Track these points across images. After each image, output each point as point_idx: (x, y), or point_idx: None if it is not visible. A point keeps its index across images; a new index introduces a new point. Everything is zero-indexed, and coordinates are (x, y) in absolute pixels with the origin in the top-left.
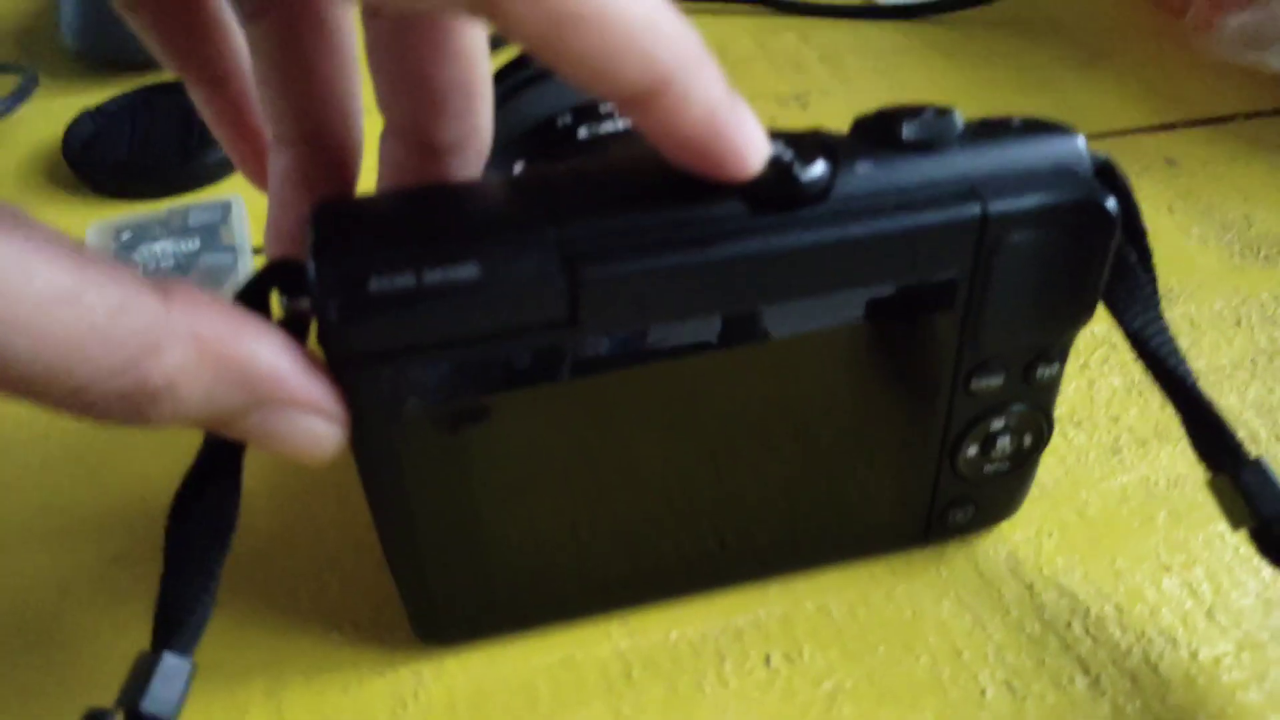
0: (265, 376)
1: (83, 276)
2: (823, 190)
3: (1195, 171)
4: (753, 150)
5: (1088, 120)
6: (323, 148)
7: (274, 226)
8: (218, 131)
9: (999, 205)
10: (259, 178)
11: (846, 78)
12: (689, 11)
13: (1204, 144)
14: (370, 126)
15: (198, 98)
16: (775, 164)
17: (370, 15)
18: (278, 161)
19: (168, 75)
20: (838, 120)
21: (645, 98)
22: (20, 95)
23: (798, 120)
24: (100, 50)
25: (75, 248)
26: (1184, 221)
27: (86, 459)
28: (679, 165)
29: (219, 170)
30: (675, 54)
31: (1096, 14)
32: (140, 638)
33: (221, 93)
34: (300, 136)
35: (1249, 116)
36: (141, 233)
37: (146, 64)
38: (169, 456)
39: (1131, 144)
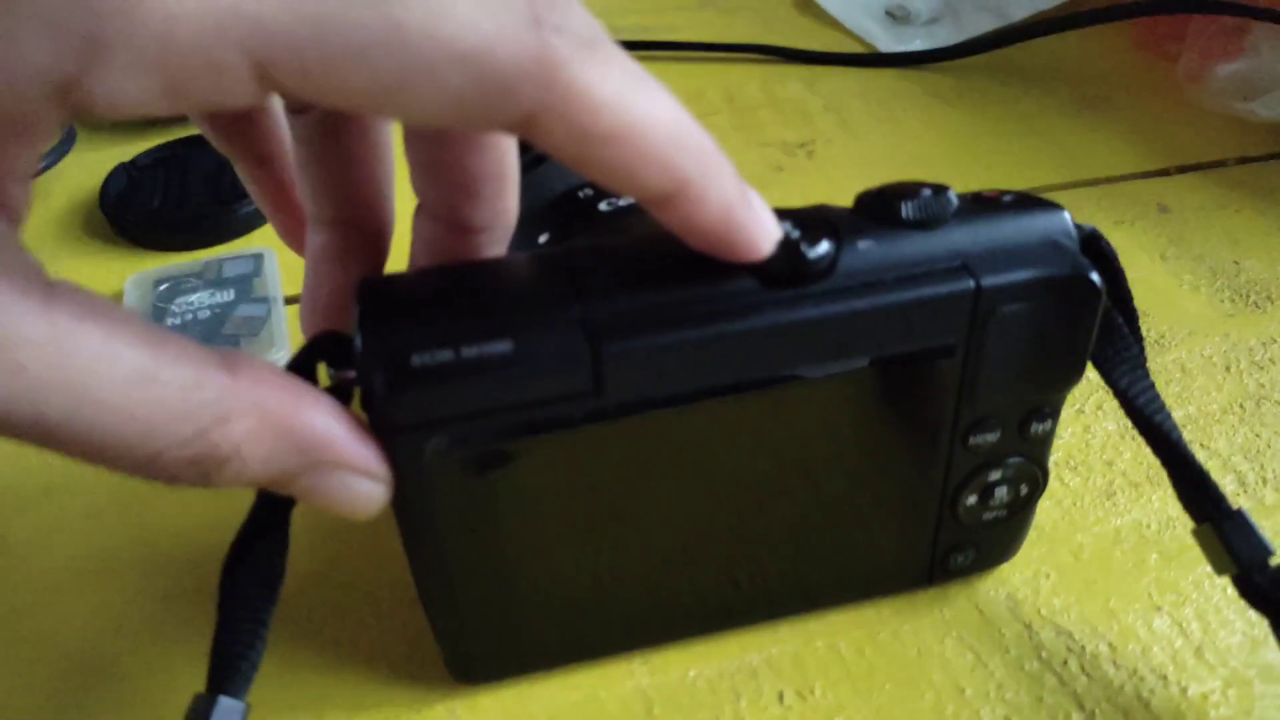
0: (320, 442)
1: (158, 355)
2: (828, 267)
3: (1187, 218)
4: (763, 236)
5: (1083, 166)
6: (357, 228)
7: (309, 299)
8: (262, 205)
9: (991, 279)
10: (299, 247)
11: (850, 125)
12: (698, 60)
13: (1196, 190)
14: (402, 202)
15: (243, 174)
16: (784, 243)
17: None
18: (315, 239)
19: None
20: (843, 168)
21: (667, 199)
22: (60, 150)
23: (805, 167)
24: None
25: (148, 327)
26: (1176, 268)
27: (132, 506)
28: (702, 251)
29: (251, 221)
30: (693, 162)
31: (1092, 63)
32: (190, 673)
33: (267, 171)
34: (337, 218)
35: (1239, 162)
36: (178, 284)
37: (180, 118)
38: (209, 502)
39: (1126, 190)
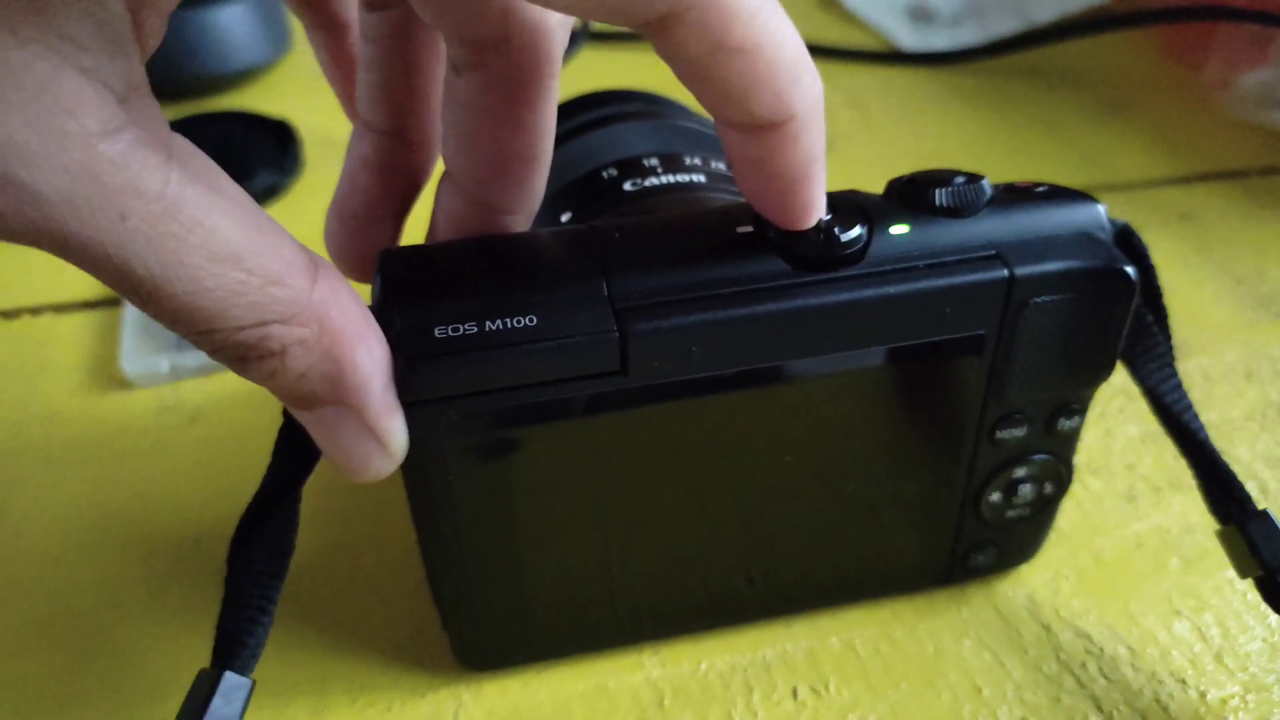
0: (357, 383)
1: (253, 241)
2: (860, 251)
3: (1211, 226)
4: (816, 208)
5: (1106, 172)
6: (404, 144)
7: (340, 208)
8: (328, 73)
9: (1025, 269)
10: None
11: (871, 123)
12: None
13: (1219, 198)
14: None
15: (315, 42)
16: (816, 226)
17: (469, 67)
18: (360, 144)
19: (209, 104)
20: (864, 165)
21: (765, 129)
22: None
23: (826, 164)
24: None
25: (251, 210)
26: (1199, 275)
27: (134, 481)
28: (753, 198)
29: (257, 199)
30: (804, 98)
31: (1116, 67)
32: (190, 650)
33: (337, 41)
34: (387, 128)
35: (1263, 172)
36: None
37: (186, 93)
38: (210, 477)
39: (1150, 197)
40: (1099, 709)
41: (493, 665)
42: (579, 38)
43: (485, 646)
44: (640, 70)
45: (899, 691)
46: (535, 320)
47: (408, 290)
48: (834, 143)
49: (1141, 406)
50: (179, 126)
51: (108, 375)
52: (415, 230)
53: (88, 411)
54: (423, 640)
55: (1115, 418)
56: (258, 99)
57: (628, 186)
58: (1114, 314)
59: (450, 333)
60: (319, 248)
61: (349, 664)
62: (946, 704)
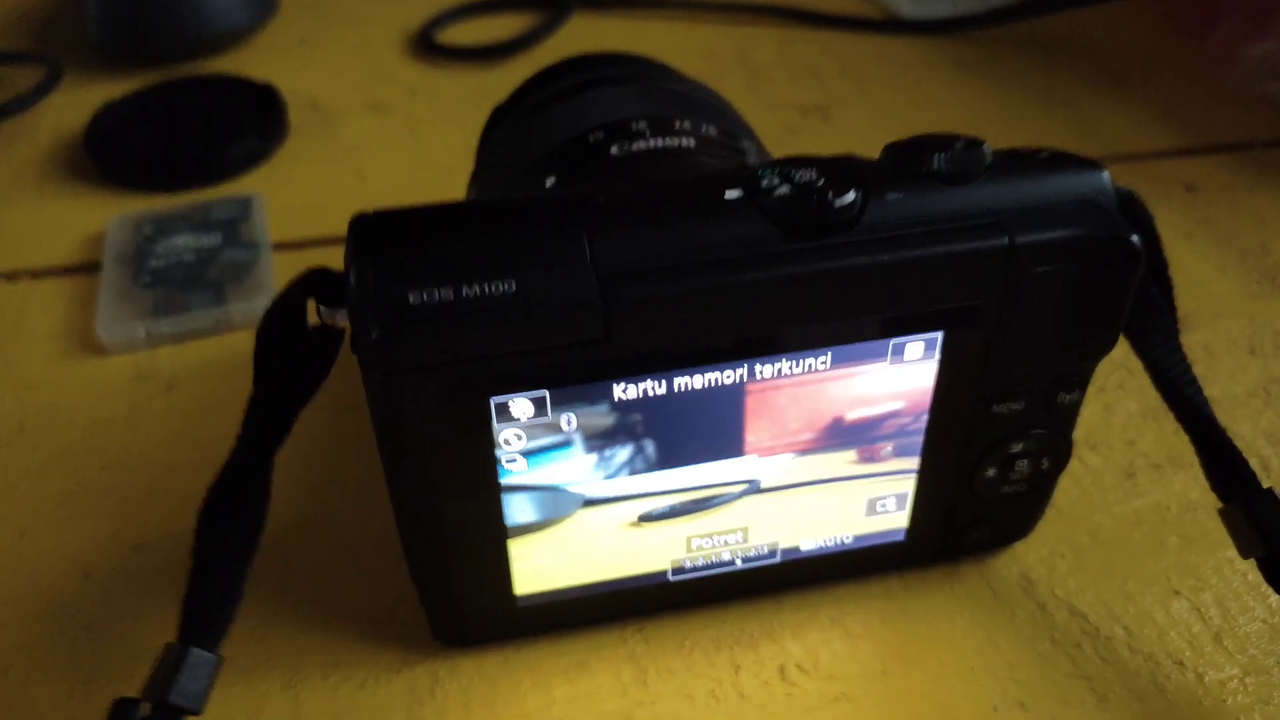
0: None
1: None
2: (854, 218)
3: (1214, 198)
4: None
5: (1108, 143)
6: None
7: None
8: None
9: (1025, 237)
10: None
11: (867, 90)
12: (710, 19)
13: (1223, 171)
14: (422, 161)
15: None
16: (808, 190)
17: None
18: None
19: (193, 68)
20: (859, 133)
21: None
22: (45, 87)
23: (820, 132)
24: (124, 42)
25: None
26: (1202, 248)
27: (107, 449)
28: None
29: (241, 164)
30: None
31: (1120, 38)
32: (160, 624)
33: None
34: None
35: (1268, 144)
36: (163, 227)
37: (170, 56)
38: (186, 446)
39: (1152, 169)
40: (1094, 691)
41: (471, 641)
42: (570, 3)
43: (463, 623)
44: (632, 36)
45: (889, 670)
46: (515, 286)
47: (382, 255)
48: (830, 111)
49: (1142, 381)
50: (160, 91)
51: (84, 341)
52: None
53: (62, 378)
54: (400, 615)
55: (1115, 392)
56: (242, 63)
57: (614, 151)
58: (1118, 285)
59: (426, 299)
60: (304, 209)
61: (324, 638)
62: (938, 683)
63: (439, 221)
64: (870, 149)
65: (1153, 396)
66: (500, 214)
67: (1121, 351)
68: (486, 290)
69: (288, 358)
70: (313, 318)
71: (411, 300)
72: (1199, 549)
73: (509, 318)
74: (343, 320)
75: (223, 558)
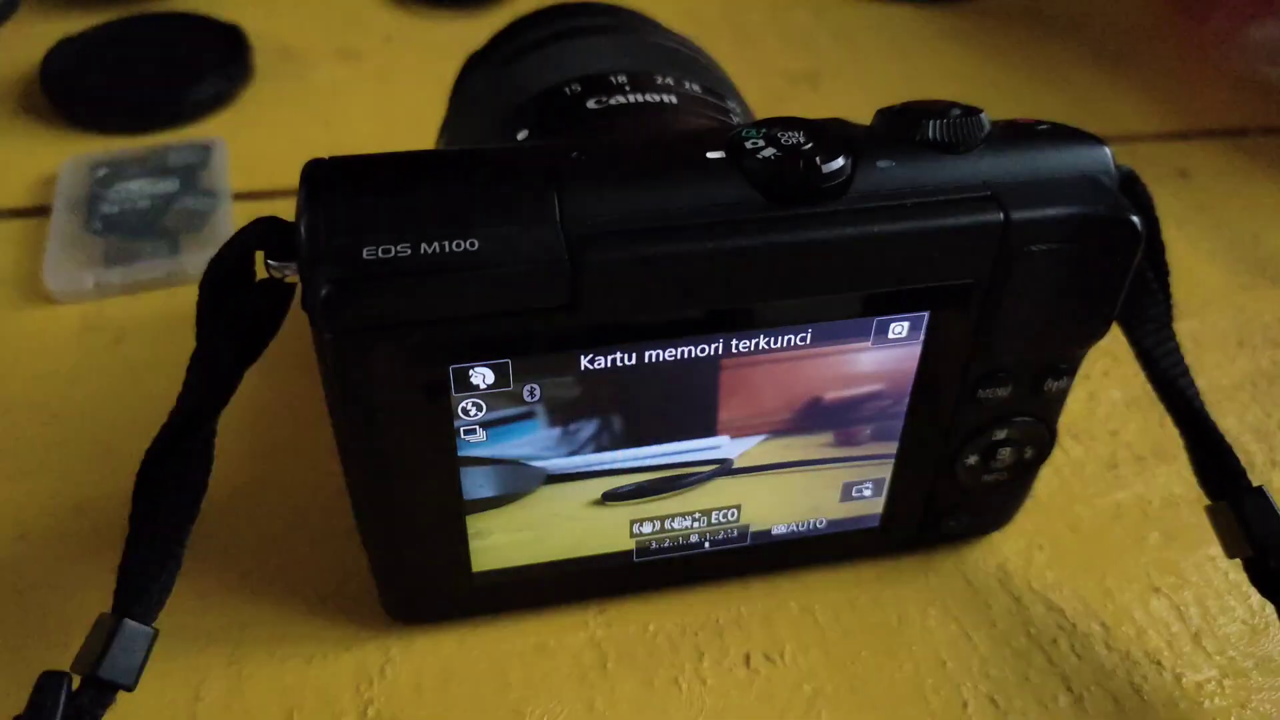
0: None
1: None
2: (842, 185)
3: (1207, 186)
4: None
5: (1101, 122)
6: None
7: None
8: None
9: (1022, 213)
10: None
11: (858, 59)
12: None
13: (1217, 157)
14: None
15: None
16: (794, 153)
17: None
18: None
19: (155, 5)
20: (848, 102)
21: None
22: None
23: (808, 100)
24: None
25: None
26: (1194, 235)
27: (49, 403)
28: None
29: (202, 108)
30: None
31: (1117, 14)
32: (98, 591)
33: None
34: None
35: (1264, 132)
36: (118, 170)
37: None
38: (134, 404)
39: (1144, 151)
40: (1069, 689)
41: (425, 618)
42: None
43: (416, 598)
44: None
45: (858, 661)
46: (477, 245)
47: (335, 204)
48: (819, 77)
49: (1127, 370)
50: (120, 27)
51: (30, 289)
52: None
53: (5, 328)
54: (350, 590)
55: (1100, 380)
56: (208, 1)
57: (591, 104)
58: (1116, 267)
59: (380, 254)
60: (267, 158)
61: (270, 611)
62: (908, 676)
63: (400, 172)
64: (861, 118)
65: (1139, 386)
66: (466, 166)
67: (1108, 338)
68: (447, 247)
69: (233, 313)
70: (262, 271)
71: (365, 255)
72: (1180, 545)
73: (470, 278)
74: (292, 275)
75: (161, 525)
